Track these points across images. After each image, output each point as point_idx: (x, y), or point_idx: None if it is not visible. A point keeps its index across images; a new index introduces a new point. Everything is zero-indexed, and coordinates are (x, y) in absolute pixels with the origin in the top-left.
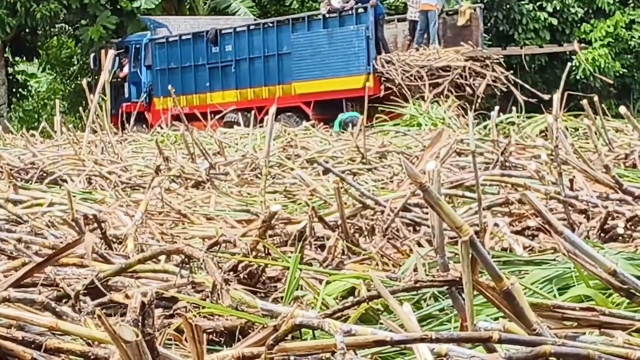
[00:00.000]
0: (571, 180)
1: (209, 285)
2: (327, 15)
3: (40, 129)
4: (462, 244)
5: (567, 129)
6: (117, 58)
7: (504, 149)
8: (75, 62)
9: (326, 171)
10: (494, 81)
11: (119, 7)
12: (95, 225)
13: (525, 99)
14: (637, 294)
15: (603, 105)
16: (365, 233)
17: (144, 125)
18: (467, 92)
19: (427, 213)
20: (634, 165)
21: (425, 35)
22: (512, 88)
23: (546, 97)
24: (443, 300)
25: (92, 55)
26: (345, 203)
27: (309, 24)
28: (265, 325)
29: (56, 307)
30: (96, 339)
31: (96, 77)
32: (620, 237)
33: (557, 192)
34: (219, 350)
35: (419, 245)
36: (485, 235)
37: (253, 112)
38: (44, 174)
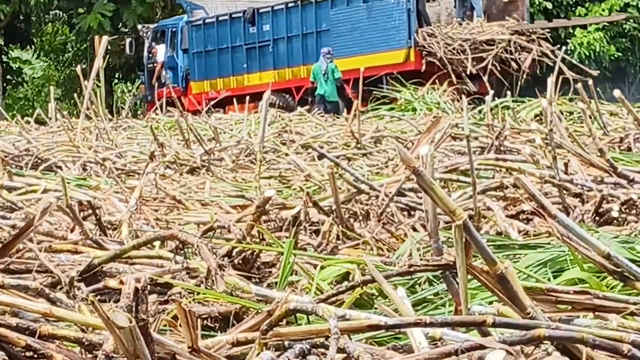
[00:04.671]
0: (566, 164)
1: (204, 271)
2: None
3: (35, 115)
4: (455, 228)
5: (561, 113)
6: (148, 46)
7: (499, 133)
8: (70, 49)
9: (321, 156)
10: (539, 56)
11: None
12: (90, 211)
13: (574, 75)
14: (631, 277)
15: (598, 89)
16: (360, 218)
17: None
18: (512, 67)
19: (421, 198)
20: (629, 149)
21: (468, 13)
22: (560, 64)
23: (595, 72)
24: (437, 284)
25: (128, 40)
26: (340, 188)
27: None
28: (260, 311)
29: (50, 294)
30: (90, 325)
31: (128, 61)
32: (614, 221)
33: (551, 176)
34: (214, 335)
35: (414, 229)
36: (479, 219)
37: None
38: (39, 161)
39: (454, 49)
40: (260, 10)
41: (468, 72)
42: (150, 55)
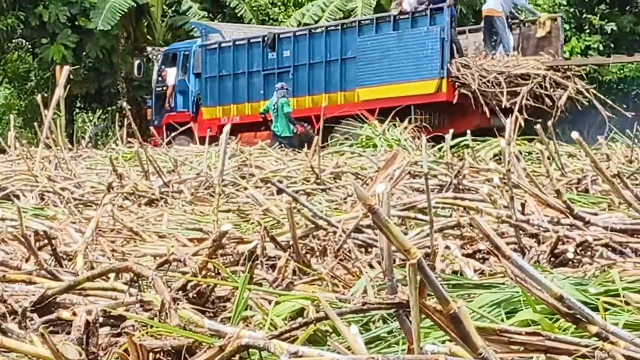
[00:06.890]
0: (523, 204)
1: (158, 304)
2: (398, 17)
3: None
4: (409, 266)
5: (520, 153)
6: (158, 68)
7: (458, 172)
8: (33, 77)
9: (280, 191)
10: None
11: (77, 24)
12: (46, 241)
13: (610, 115)
14: (583, 319)
15: (557, 130)
16: (317, 254)
17: (190, 137)
18: (546, 104)
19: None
20: (586, 190)
21: (494, 44)
22: (595, 102)
23: (629, 114)
24: (392, 322)
25: (136, 62)
26: (298, 223)
27: (378, 26)
28: (212, 345)
29: (2, 324)
30: (41, 356)
31: (132, 83)
32: (570, 262)
33: (508, 216)
34: None
35: (371, 266)
36: (436, 258)
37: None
38: None
39: (488, 81)
40: (282, 36)
41: (502, 106)
42: (160, 78)
